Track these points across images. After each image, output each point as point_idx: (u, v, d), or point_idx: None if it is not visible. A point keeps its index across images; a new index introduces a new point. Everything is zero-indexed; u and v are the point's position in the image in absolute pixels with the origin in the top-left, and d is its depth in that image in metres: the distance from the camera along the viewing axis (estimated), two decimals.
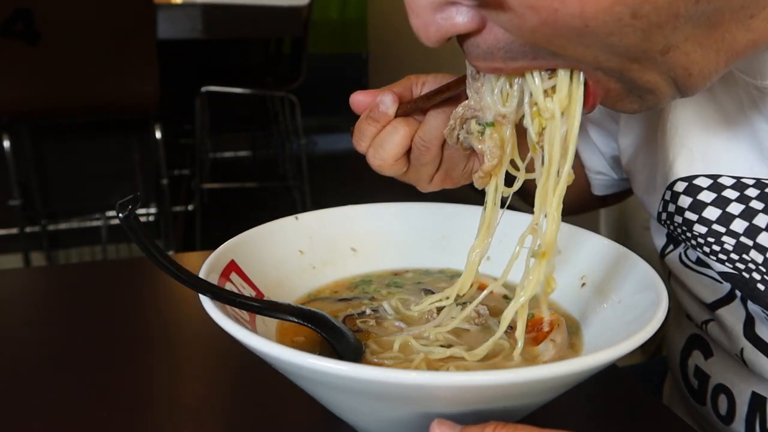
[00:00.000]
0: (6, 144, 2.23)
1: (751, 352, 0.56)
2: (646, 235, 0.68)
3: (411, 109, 0.53)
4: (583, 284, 0.54)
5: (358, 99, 0.55)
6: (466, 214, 0.62)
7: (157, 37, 2.14)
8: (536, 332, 0.49)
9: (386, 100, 0.53)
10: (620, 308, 0.48)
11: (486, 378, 0.33)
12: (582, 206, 0.86)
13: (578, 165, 0.80)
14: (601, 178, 0.79)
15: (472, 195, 0.65)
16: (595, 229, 0.63)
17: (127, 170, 2.65)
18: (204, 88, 2.70)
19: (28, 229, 2.49)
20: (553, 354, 0.47)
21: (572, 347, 0.49)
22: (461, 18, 0.37)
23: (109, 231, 2.66)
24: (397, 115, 0.54)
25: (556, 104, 0.41)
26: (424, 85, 0.57)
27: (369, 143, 0.55)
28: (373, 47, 4.93)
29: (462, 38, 0.40)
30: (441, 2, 0.37)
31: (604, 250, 0.54)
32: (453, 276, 0.61)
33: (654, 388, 0.81)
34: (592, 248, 0.55)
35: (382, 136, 0.54)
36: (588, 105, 0.41)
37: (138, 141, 2.62)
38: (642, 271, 0.48)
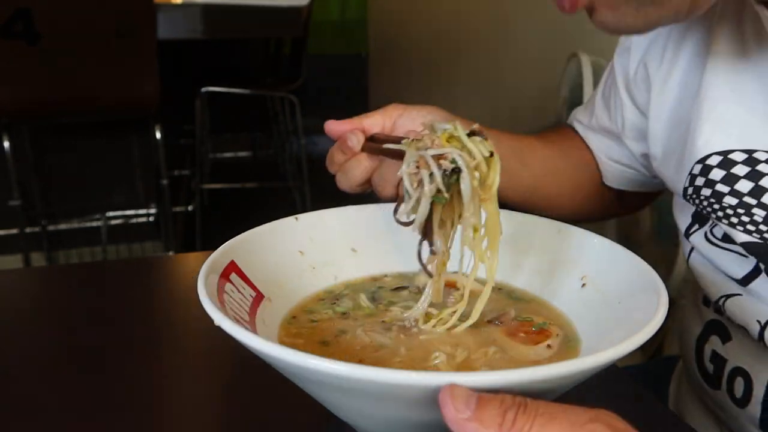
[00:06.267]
0: (6, 144, 2.23)
1: None
2: (650, 241, 0.68)
3: (375, 148, 0.61)
4: (583, 284, 0.54)
5: (331, 128, 0.64)
6: None
7: (157, 37, 2.13)
8: (525, 334, 0.49)
9: (353, 138, 0.62)
10: (620, 308, 0.48)
11: (486, 378, 0.33)
12: (591, 209, 0.86)
13: (591, 162, 0.81)
14: (617, 167, 0.79)
15: None
16: (600, 229, 0.64)
17: (127, 170, 2.65)
18: (204, 89, 2.70)
19: (28, 230, 2.49)
20: (548, 357, 0.47)
21: (572, 348, 0.49)
22: None
23: (109, 231, 2.66)
24: (363, 149, 0.62)
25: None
26: (400, 116, 0.66)
27: (337, 168, 0.64)
28: (373, 47, 4.92)
29: None
30: None
31: (604, 250, 0.54)
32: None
33: (654, 389, 0.81)
34: (592, 248, 0.55)
35: (348, 165, 0.63)
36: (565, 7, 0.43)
37: (138, 141, 2.62)
38: (642, 271, 0.48)
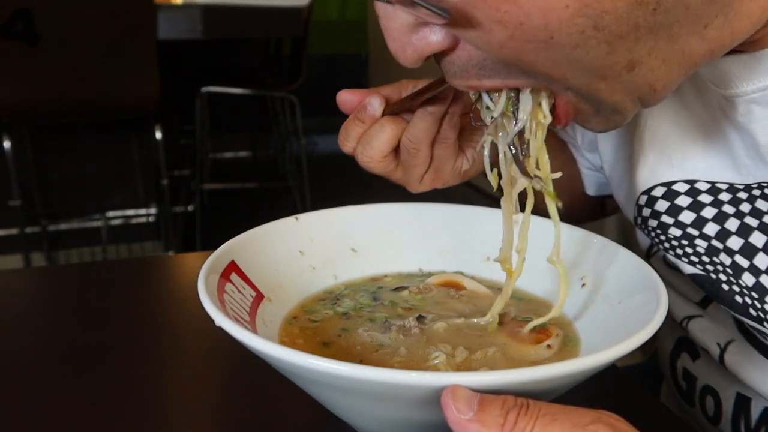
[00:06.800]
0: (6, 144, 2.23)
1: (741, 344, 0.56)
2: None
3: (398, 108, 0.54)
4: (583, 284, 0.54)
5: (345, 98, 0.56)
6: (470, 214, 0.62)
7: (157, 38, 2.13)
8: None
9: (374, 103, 0.55)
10: (620, 308, 0.48)
11: (486, 378, 0.33)
12: (578, 209, 0.86)
13: (568, 160, 0.81)
14: (592, 174, 0.80)
15: (474, 196, 0.66)
16: (600, 229, 0.64)
17: (127, 170, 2.66)
18: (204, 89, 2.70)
19: (28, 230, 2.50)
20: (548, 357, 0.47)
21: (572, 348, 0.49)
22: (435, 37, 0.39)
23: (109, 231, 2.66)
24: (384, 114, 0.55)
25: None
26: (416, 87, 0.58)
27: (355, 143, 0.56)
28: (373, 47, 4.92)
29: (438, 57, 0.42)
30: (414, 24, 0.39)
31: (605, 251, 0.54)
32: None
33: (654, 389, 0.81)
34: (592, 249, 0.55)
35: (369, 133, 0.55)
36: (557, 123, 0.43)
37: (138, 141, 2.62)
38: (642, 272, 0.48)
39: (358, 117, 0.56)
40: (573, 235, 0.57)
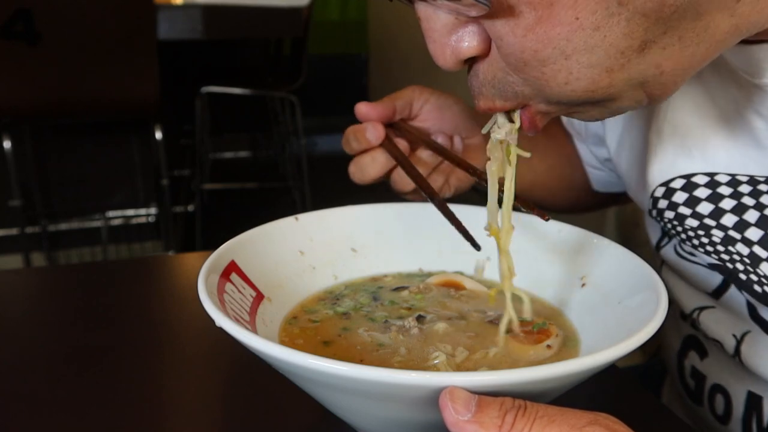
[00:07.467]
0: (7, 144, 2.23)
1: (757, 335, 0.56)
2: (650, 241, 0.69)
3: (394, 150, 0.62)
4: (583, 284, 0.54)
5: (362, 110, 0.63)
6: (469, 215, 0.62)
7: (157, 38, 2.13)
8: (525, 334, 0.49)
9: (373, 132, 0.62)
10: (620, 308, 0.48)
11: (485, 379, 0.33)
12: (586, 202, 0.87)
13: (572, 159, 0.81)
14: (598, 173, 0.79)
15: (474, 196, 0.66)
16: (600, 229, 0.64)
17: (127, 170, 2.65)
18: (204, 89, 2.70)
19: (28, 230, 2.50)
20: (548, 357, 0.47)
21: (572, 348, 0.49)
22: (471, 40, 0.41)
23: (109, 231, 2.66)
24: (383, 145, 0.62)
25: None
26: (426, 102, 0.67)
27: (352, 153, 0.64)
28: (373, 48, 4.93)
29: (468, 70, 0.43)
30: (454, 24, 0.40)
31: (604, 251, 0.54)
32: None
33: (654, 389, 0.81)
34: (592, 248, 0.55)
35: (364, 161, 0.63)
36: (526, 128, 0.44)
37: (138, 141, 2.62)
38: (642, 272, 0.48)
39: (357, 136, 0.62)
40: (573, 235, 0.57)
